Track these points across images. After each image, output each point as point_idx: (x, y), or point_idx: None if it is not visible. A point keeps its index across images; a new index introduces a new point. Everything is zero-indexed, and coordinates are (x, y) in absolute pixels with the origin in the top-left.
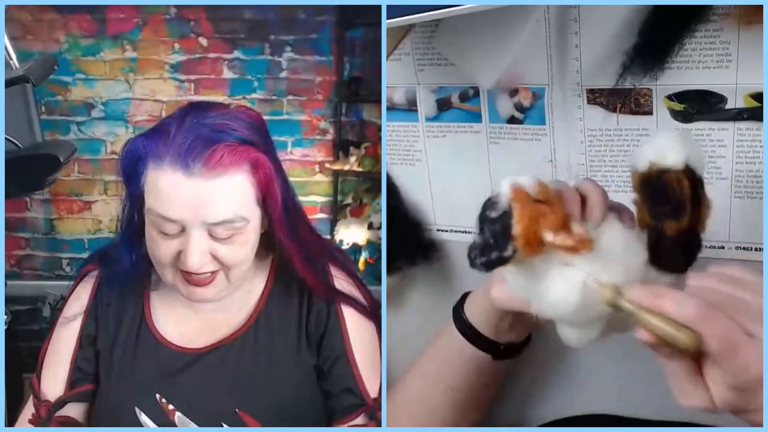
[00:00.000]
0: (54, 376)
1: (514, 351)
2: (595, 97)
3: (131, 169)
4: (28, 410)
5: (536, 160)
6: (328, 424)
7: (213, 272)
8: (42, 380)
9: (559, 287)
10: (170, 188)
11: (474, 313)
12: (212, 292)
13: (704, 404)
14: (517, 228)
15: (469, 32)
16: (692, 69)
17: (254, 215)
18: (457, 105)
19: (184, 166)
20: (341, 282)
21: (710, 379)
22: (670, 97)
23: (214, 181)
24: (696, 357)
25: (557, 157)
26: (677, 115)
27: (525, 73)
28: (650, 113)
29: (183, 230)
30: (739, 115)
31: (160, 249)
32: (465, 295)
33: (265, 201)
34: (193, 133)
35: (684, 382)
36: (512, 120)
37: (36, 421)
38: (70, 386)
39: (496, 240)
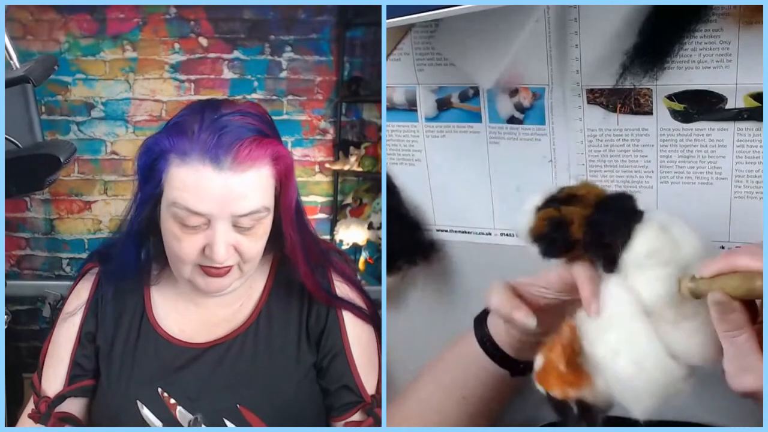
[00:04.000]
0: (54, 373)
1: (532, 370)
2: (595, 97)
3: (149, 167)
4: (30, 407)
5: (536, 160)
6: (326, 421)
7: (231, 265)
8: (43, 378)
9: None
10: (200, 183)
11: (497, 328)
12: (228, 281)
13: (759, 383)
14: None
15: (469, 32)
16: (692, 69)
17: (272, 206)
18: (457, 105)
19: (214, 161)
20: (341, 287)
21: None
22: (670, 97)
23: (243, 174)
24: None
25: (557, 157)
26: (677, 115)
27: (525, 73)
28: (650, 113)
29: (207, 223)
30: (739, 115)
31: (182, 245)
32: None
33: (281, 193)
34: (218, 129)
35: (747, 356)
36: (512, 120)
37: (35, 416)
38: (68, 382)
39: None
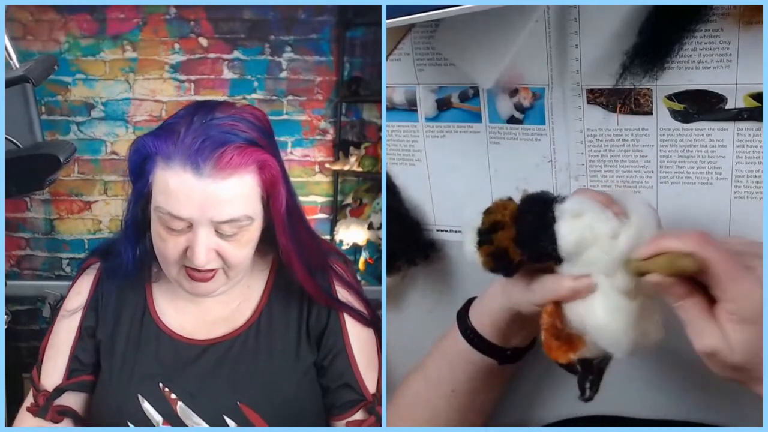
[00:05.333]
0: (53, 367)
1: (519, 356)
2: (595, 97)
3: (138, 167)
4: (28, 401)
5: (536, 160)
6: (327, 419)
7: (215, 269)
8: (42, 372)
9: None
10: (180, 187)
11: (480, 320)
12: (213, 286)
13: (717, 342)
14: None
15: (469, 32)
16: (692, 69)
17: (258, 214)
18: (457, 105)
19: (194, 166)
20: (341, 291)
21: (722, 317)
22: (670, 97)
23: (223, 182)
24: (706, 294)
25: (557, 157)
26: (677, 115)
27: (525, 73)
28: (650, 113)
29: (190, 227)
30: (739, 115)
31: (167, 245)
32: (470, 301)
33: (268, 201)
34: (202, 135)
35: (698, 320)
36: (512, 120)
37: (34, 410)
38: (68, 375)
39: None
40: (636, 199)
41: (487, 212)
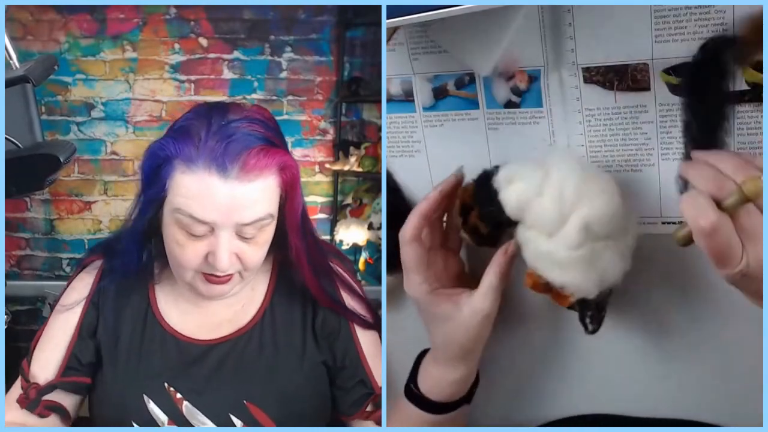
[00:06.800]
0: (46, 360)
1: (478, 378)
2: (592, 75)
3: (154, 172)
4: (15, 390)
5: (535, 144)
6: (339, 416)
7: (232, 273)
8: (32, 363)
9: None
10: (205, 191)
11: (436, 389)
12: (229, 287)
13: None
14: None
15: (462, 19)
16: (688, 41)
17: (276, 213)
18: (454, 93)
19: (220, 169)
20: (345, 295)
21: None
22: (667, 71)
23: (250, 184)
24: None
25: (556, 139)
26: (675, 89)
27: (520, 57)
28: (648, 89)
29: (211, 231)
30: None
31: (186, 251)
32: (412, 380)
33: (285, 201)
34: (225, 137)
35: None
36: (509, 104)
37: (23, 402)
38: (62, 372)
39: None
40: (558, 155)
41: (459, 197)
